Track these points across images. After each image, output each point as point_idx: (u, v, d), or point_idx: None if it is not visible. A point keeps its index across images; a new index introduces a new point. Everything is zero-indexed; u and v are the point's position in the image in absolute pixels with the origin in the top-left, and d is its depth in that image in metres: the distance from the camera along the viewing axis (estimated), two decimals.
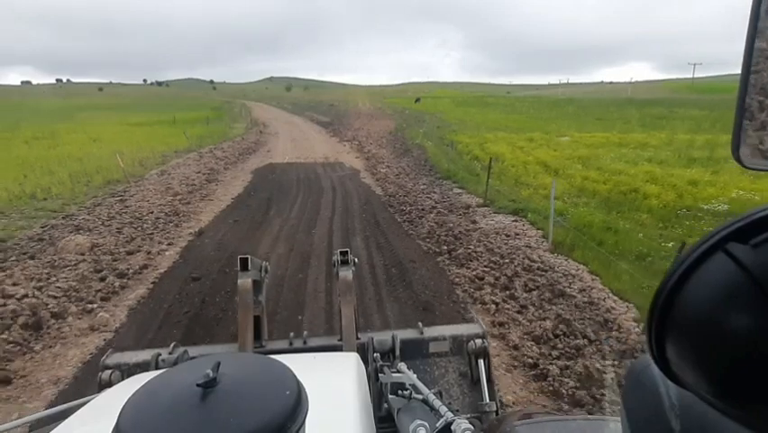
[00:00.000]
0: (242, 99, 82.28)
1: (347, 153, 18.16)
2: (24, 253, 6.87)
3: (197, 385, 0.56)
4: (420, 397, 1.31)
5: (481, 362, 2.10)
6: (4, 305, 5.06)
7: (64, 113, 45.68)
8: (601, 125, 28.20)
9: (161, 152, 17.88)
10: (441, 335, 2.24)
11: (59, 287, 5.63)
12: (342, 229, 7.99)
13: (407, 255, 6.64)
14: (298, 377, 0.64)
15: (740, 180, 11.03)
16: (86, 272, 6.12)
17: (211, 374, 0.57)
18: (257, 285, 2.23)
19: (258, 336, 2.20)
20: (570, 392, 3.60)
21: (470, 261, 6.32)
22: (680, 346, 0.36)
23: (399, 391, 1.44)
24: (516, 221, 8.27)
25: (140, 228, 8.13)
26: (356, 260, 2.29)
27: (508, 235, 7.42)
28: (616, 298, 5.25)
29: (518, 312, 4.91)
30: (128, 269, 6.32)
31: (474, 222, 8.20)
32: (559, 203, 9.66)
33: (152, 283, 5.93)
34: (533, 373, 3.90)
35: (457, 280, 5.77)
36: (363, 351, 1.98)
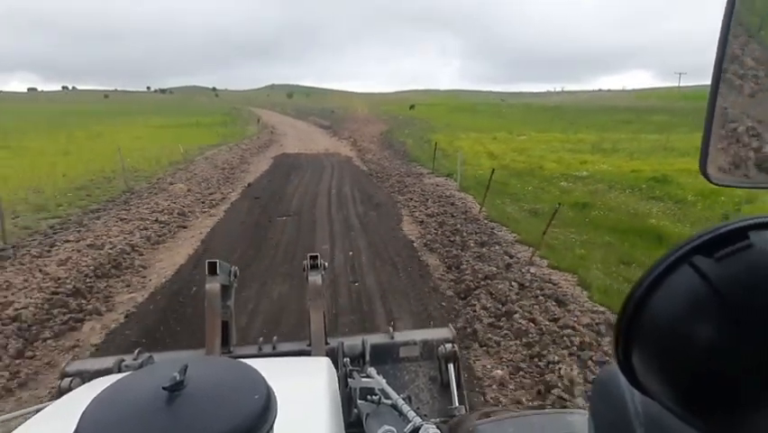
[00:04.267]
0: (247, 106, 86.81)
1: (344, 147, 23.06)
2: (150, 193, 11.71)
3: (163, 388, 0.55)
4: (389, 402, 1.31)
5: (451, 366, 2.10)
6: (164, 207, 9.91)
7: (91, 117, 50.54)
8: (562, 128, 33.12)
9: (197, 145, 22.73)
10: (411, 339, 2.23)
11: (183, 203, 10.45)
12: (338, 183, 12.86)
13: (374, 192, 11.55)
14: (268, 381, 0.63)
15: (613, 161, 15.95)
16: (192, 200, 10.93)
17: (178, 377, 0.56)
18: (225, 290, 2.21)
19: (226, 341, 2.18)
20: (432, 228, 8.39)
21: (409, 194, 11.20)
22: (645, 355, 0.37)
23: (368, 397, 1.43)
24: (446, 179, 13.17)
25: (209, 183, 12.96)
26: (326, 264, 2.30)
27: (437, 185, 12.29)
28: (478, 205, 10.07)
29: (425, 207, 9.74)
30: (214, 199, 11.16)
31: (421, 180, 13.07)
32: (482, 172, 14.52)
33: (231, 203, 10.77)
34: (419, 222, 8.76)
35: (398, 200, 10.66)
36: (333, 356, 1.93)
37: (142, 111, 67.27)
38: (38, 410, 1.17)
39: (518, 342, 4.47)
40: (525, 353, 4.28)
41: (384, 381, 1.48)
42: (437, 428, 0.99)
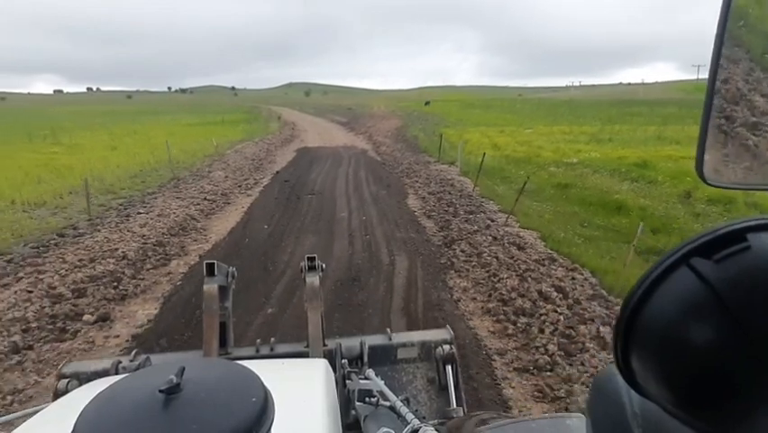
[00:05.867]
0: (266, 104, 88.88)
1: (360, 141, 24.92)
2: (194, 179, 13.68)
3: (160, 391, 0.56)
4: (387, 404, 1.32)
5: (449, 368, 2.10)
6: (209, 189, 11.87)
7: (120, 117, 53.20)
8: (570, 121, 34.44)
9: (226, 141, 24.80)
10: (409, 341, 2.25)
11: (224, 187, 12.39)
12: (354, 170, 14.71)
13: (385, 176, 13.38)
14: (265, 383, 0.64)
15: (604, 150, 17.49)
16: (231, 184, 12.87)
17: (174, 380, 0.56)
18: (223, 291, 2.22)
19: (224, 342, 2.19)
20: (432, 202, 10.15)
21: (416, 177, 13.00)
22: (644, 357, 0.38)
23: (367, 398, 1.45)
24: (449, 166, 14.91)
25: (243, 171, 14.91)
26: (323, 265, 2.31)
27: (441, 171, 14.05)
28: (473, 185, 11.79)
29: (428, 188, 11.52)
30: (248, 183, 13.09)
31: (427, 167, 14.84)
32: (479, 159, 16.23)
33: (264, 186, 12.68)
34: (421, 198, 10.54)
35: (406, 182, 12.47)
36: (331, 357, 1.97)
37: (167, 111, 69.73)
38: (35, 412, 1.18)
39: (482, 270, 6.23)
40: (485, 275, 6.04)
41: (382, 382, 1.50)
42: (435, 429, 1.00)
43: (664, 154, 15.92)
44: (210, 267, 2.08)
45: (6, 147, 21.10)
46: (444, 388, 2.09)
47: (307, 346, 2.09)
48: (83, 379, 1.88)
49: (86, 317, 5.07)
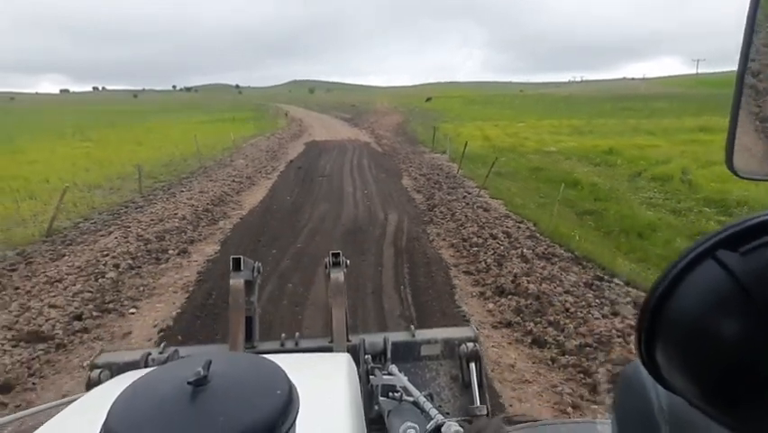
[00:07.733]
0: (271, 102, 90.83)
1: (363, 135, 27.06)
2: (219, 167, 15.85)
3: (188, 383, 0.58)
4: (411, 399, 1.33)
5: (473, 365, 2.11)
6: (234, 174, 14.03)
7: (132, 116, 55.38)
8: (561, 115, 36.43)
9: (240, 136, 26.95)
10: (433, 338, 2.26)
11: (247, 172, 14.54)
12: (358, 159, 16.86)
13: (385, 163, 15.54)
14: (290, 377, 0.65)
15: (582, 140, 19.55)
16: (252, 170, 15.01)
17: (202, 372, 0.58)
18: (249, 285, 2.25)
19: (249, 336, 2.22)
20: (422, 181, 12.27)
21: (411, 163, 15.15)
22: (669, 351, 0.37)
23: (390, 394, 1.46)
24: (441, 155, 17.04)
25: (260, 161, 17.06)
26: (348, 261, 2.31)
27: (433, 158, 16.19)
28: (458, 167, 13.89)
29: (420, 171, 13.65)
30: (267, 169, 15.24)
31: (422, 156, 16.98)
32: (471, 149, 18.32)
33: (280, 172, 14.82)
34: (413, 178, 12.69)
35: (402, 167, 14.62)
36: (355, 353, 1.98)
37: (173, 109, 71.34)
38: (66, 403, 1.24)
39: (453, 223, 8.35)
40: (455, 226, 8.17)
41: (406, 378, 1.51)
42: (459, 426, 1.00)
43: (632, 143, 17.97)
44: (236, 262, 2.11)
45: (41, 143, 23.37)
46: (468, 386, 2.11)
47: (331, 341, 2.14)
48: (114, 370, 1.97)
49: (170, 251, 7.24)
